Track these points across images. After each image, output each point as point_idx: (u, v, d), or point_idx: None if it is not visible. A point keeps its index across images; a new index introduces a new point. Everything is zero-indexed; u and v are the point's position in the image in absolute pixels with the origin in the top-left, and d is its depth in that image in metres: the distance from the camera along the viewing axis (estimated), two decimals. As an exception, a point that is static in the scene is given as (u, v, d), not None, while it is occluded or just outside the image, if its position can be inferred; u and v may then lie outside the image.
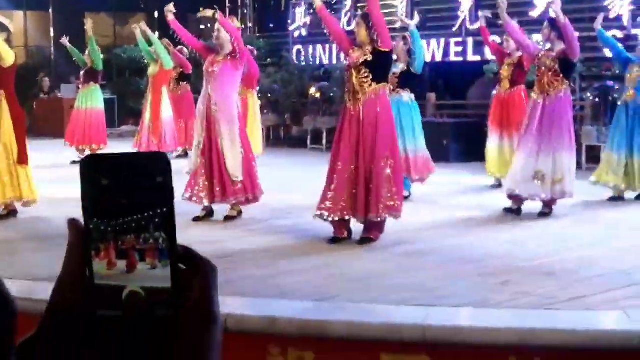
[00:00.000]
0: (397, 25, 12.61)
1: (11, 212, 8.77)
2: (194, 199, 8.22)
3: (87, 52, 13.96)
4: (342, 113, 7.48)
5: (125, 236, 0.78)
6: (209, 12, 8.51)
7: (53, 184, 10.29)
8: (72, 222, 0.80)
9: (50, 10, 23.25)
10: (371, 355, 4.68)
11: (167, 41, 13.17)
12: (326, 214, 7.23)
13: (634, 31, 12.83)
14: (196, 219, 8.26)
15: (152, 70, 13.68)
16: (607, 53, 12.71)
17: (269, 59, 18.90)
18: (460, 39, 15.90)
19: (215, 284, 0.81)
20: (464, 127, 14.30)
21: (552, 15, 8.72)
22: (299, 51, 18.77)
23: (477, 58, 15.42)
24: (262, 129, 14.64)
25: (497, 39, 11.54)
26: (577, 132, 9.62)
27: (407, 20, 10.68)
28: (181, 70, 14.08)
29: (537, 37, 11.95)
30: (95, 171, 0.78)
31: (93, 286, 0.78)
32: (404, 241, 7.36)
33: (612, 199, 9.69)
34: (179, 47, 12.97)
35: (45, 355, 0.80)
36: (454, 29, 16.03)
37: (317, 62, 18.31)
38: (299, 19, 19.06)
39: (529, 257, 6.77)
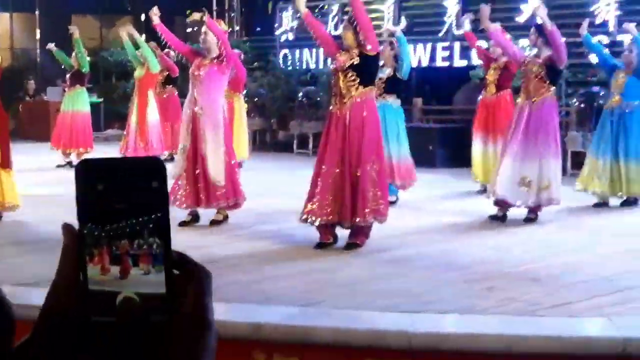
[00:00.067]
0: (383, 29, 12.63)
1: (-5, 216, 8.72)
2: (178, 203, 8.18)
3: (73, 54, 13.92)
4: (328, 117, 7.48)
5: (119, 241, 0.78)
6: (197, 15, 8.49)
7: (38, 187, 10.25)
8: (67, 227, 0.80)
9: (37, 12, 23.17)
10: (356, 362, 4.68)
11: (154, 44, 13.14)
12: (312, 218, 7.23)
13: (619, 37, 12.88)
14: (182, 224, 8.24)
15: (138, 73, 13.64)
16: (593, 59, 12.77)
17: (255, 63, 18.87)
18: (446, 44, 15.93)
19: (209, 290, 0.81)
20: (450, 132, 14.32)
21: (539, 21, 8.75)
22: (285, 55, 18.77)
23: (464, 63, 15.46)
24: (249, 133, 14.62)
25: (484, 44, 11.56)
26: (562, 138, 9.65)
27: (393, 27, 10.69)
28: (167, 73, 14.05)
29: (524, 42, 12.00)
30: (91, 176, 0.78)
31: (87, 291, 0.78)
32: (389, 247, 7.36)
33: (597, 205, 9.73)
34: (166, 50, 12.94)
35: None
36: (441, 34, 16.06)
37: (304, 66, 18.31)
38: (286, 23, 19.06)
39: (515, 262, 6.78)
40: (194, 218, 8.45)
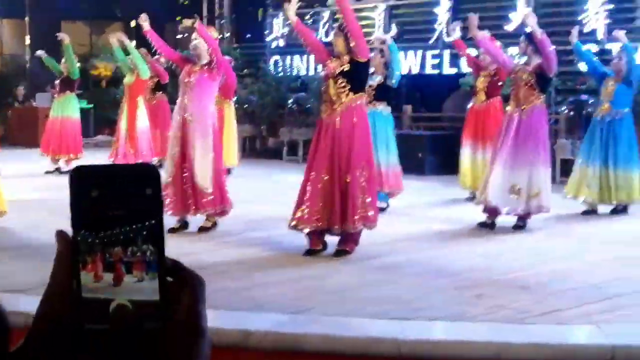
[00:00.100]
0: (373, 37, 12.65)
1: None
2: (166, 209, 8.16)
3: (63, 60, 13.90)
4: (318, 124, 7.48)
5: (112, 248, 0.77)
6: (188, 22, 8.49)
7: (26, 193, 10.22)
8: (61, 234, 0.80)
9: (26, 19, 23.12)
10: (346, 369, 4.67)
11: (144, 50, 13.13)
12: (302, 224, 7.22)
13: (608, 45, 12.94)
14: (171, 231, 8.21)
15: (128, 79, 13.61)
16: (582, 67, 12.82)
17: (245, 70, 18.88)
18: (436, 52, 15.97)
19: (203, 297, 0.81)
20: (439, 140, 14.35)
21: (529, 29, 8.77)
22: (276, 62, 18.78)
23: (454, 71, 15.50)
24: (238, 140, 14.62)
25: (474, 52, 11.59)
26: (551, 146, 9.67)
27: (384, 36, 10.69)
28: (157, 79, 14.02)
29: (513, 50, 12.04)
30: (85, 182, 0.78)
31: (81, 299, 0.78)
32: (379, 253, 7.36)
33: (586, 213, 9.75)
34: (156, 56, 12.92)
35: None
36: (431, 41, 16.11)
37: (294, 73, 18.32)
38: (277, 30, 19.07)
39: (504, 270, 6.79)
40: (183, 225, 8.44)
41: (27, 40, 23.11)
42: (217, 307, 5.35)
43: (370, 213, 7.23)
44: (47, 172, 13.79)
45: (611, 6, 13.64)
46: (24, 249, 7.36)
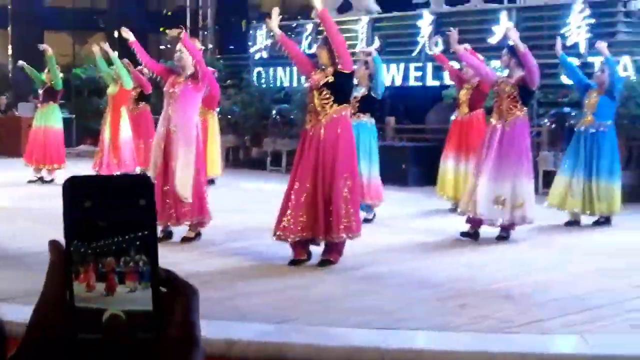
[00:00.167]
0: (357, 50, 12.69)
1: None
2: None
3: (46, 70, 13.86)
4: (302, 134, 7.50)
5: (105, 259, 0.77)
6: (175, 32, 8.48)
7: (10, 202, 10.16)
8: (54, 243, 0.80)
9: (9, 28, 23.04)
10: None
11: (127, 61, 13.11)
12: (286, 234, 7.22)
13: (590, 59, 13.03)
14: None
15: (111, 90, 13.58)
16: (564, 80, 12.91)
17: (229, 81, 18.88)
18: (419, 64, 16.02)
19: (196, 307, 0.81)
20: (422, 151, 14.38)
21: (511, 42, 8.83)
22: (259, 73, 18.79)
23: (436, 83, 15.55)
24: (222, 150, 14.61)
25: (456, 64, 11.65)
26: (534, 158, 9.72)
27: (368, 48, 10.72)
28: (140, 90, 13.99)
29: (495, 63, 12.11)
30: (78, 192, 0.78)
31: (73, 308, 0.78)
32: (363, 264, 7.36)
33: (569, 224, 9.80)
34: (139, 67, 12.90)
35: None
36: (414, 53, 16.16)
37: (278, 84, 18.33)
38: (260, 42, 19.09)
39: (487, 280, 6.81)
40: (167, 235, 8.41)
41: (10, 50, 23.03)
42: (200, 316, 5.33)
43: (353, 224, 7.25)
44: (30, 182, 13.75)
45: (592, 20, 13.74)
46: (8, 259, 7.31)
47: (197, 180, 8.30)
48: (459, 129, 10.69)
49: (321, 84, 7.25)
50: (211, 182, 12.39)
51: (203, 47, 14.05)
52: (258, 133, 17.73)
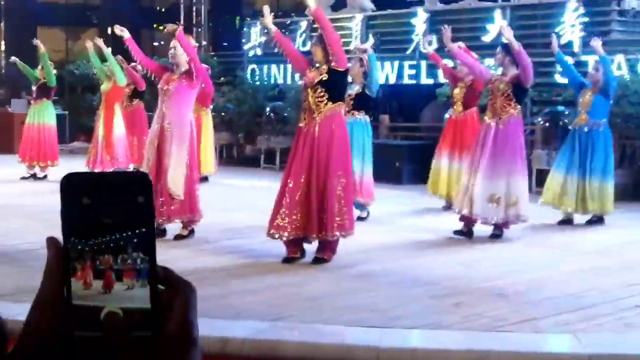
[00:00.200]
0: (352, 47, 12.69)
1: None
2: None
3: (39, 66, 13.83)
4: (297, 132, 7.49)
5: (102, 256, 0.77)
6: (172, 27, 8.45)
7: (2, 199, 10.13)
8: (51, 240, 0.79)
9: (2, 24, 22.98)
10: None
11: (121, 57, 13.08)
12: (280, 232, 7.22)
13: (583, 57, 13.05)
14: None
15: (105, 86, 13.55)
16: (558, 78, 12.93)
17: (223, 78, 18.86)
18: (414, 62, 16.02)
19: (194, 305, 0.81)
20: (416, 149, 14.38)
21: (505, 40, 8.83)
22: (253, 70, 18.77)
23: (431, 81, 15.56)
24: (215, 148, 14.60)
25: (450, 62, 11.66)
26: (527, 156, 9.73)
27: (363, 46, 10.72)
28: (134, 86, 13.97)
29: (489, 61, 12.12)
30: (76, 190, 0.77)
31: (71, 306, 0.77)
32: (357, 262, 7.36)
33: (562, 223, 9.81)
34: (133, 63, 12.88)
35: None
36: (408, 52, 16.17)
37: (272, 81, 18.32)
38: (254, 39, 19.08)
39: (481, 279, 6.82)
40: (160, 232, 8.40)
41: (3, 46, 22.96)
42: (195, 314, 5.32)
43: (346, 222, 7.24)
44: (23, 178, 13.73)
45: (586, 19, 13.76)
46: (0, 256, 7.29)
47: (189, 177, 8.29)
48: (454, 127, 10.69)
49: (316, 82, 7.24)
50: (205, 179, 12.38)
51: (197, 44, 14.04)
52: (252, 130, 17.72)
